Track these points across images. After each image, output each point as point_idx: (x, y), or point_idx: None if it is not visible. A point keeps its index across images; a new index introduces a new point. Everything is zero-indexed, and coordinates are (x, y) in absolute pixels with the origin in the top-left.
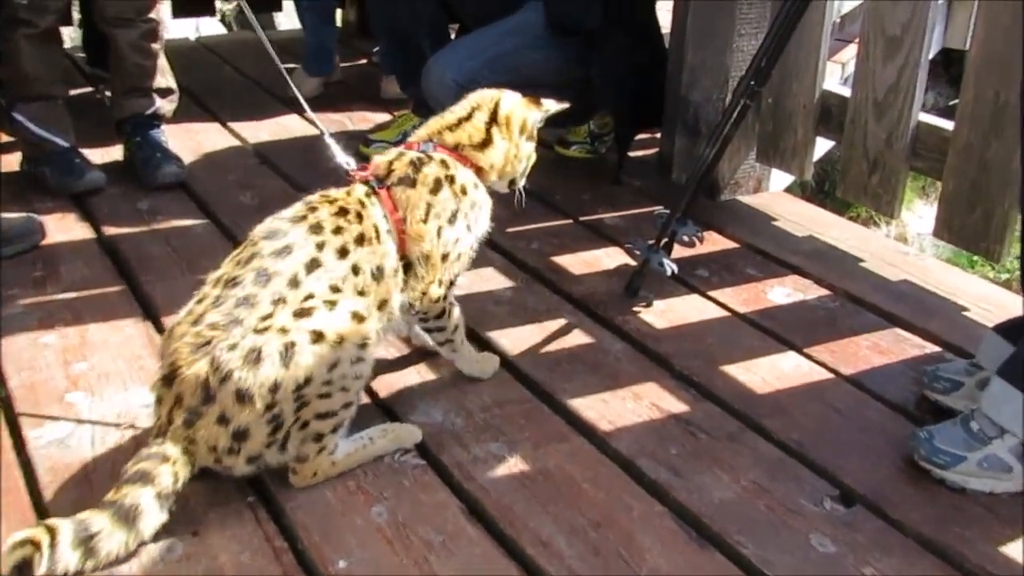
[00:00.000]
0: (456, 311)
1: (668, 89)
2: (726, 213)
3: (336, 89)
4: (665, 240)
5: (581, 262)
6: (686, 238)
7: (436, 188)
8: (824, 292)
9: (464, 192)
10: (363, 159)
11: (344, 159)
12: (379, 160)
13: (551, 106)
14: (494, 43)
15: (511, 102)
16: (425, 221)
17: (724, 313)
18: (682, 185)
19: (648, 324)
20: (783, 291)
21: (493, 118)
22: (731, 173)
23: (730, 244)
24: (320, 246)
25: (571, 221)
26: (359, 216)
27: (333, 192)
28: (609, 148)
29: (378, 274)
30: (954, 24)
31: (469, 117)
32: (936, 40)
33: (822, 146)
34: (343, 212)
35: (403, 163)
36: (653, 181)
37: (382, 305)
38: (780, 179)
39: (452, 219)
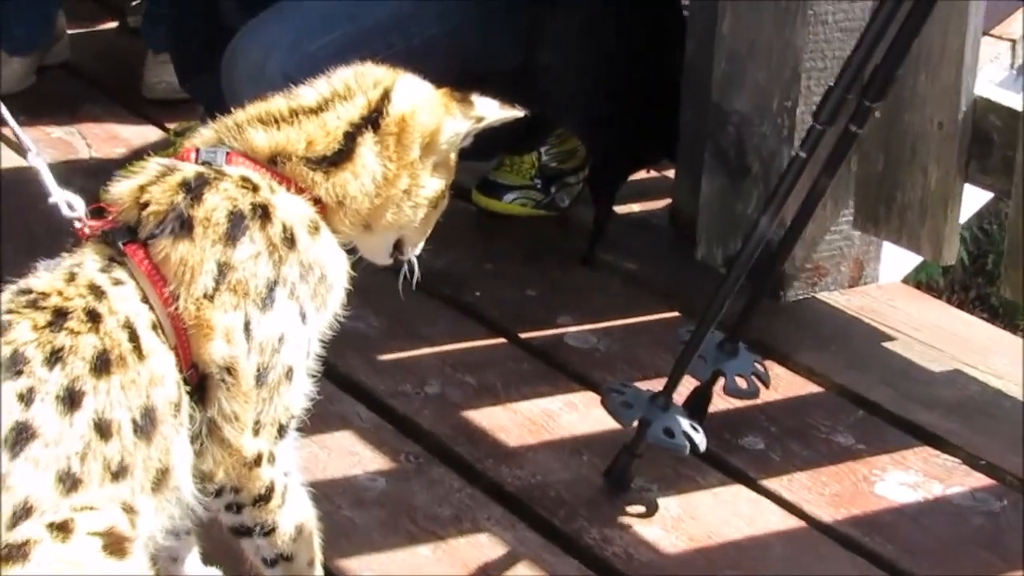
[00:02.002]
0: (296, 495)
1: (687, 91)
2: (798, 325)
3: (59, 78)
4: (695, 390)
5: (521, 422)
6: (739, 382)
7: (232, 233)
8: (981, 481)
9: (291, 242)
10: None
11: (62, 197)
12: (120, 190)
13: (487, 110)
14: (358, 6)
15: (413, 93)
16: (212, 298)
17: (793, 522)
18: (718, 271)
19: (649, 547)
20: (903, 479)
21: (370, 119)
22: (809, 249)
23: (805, 386)
24: (25, 398)
25: (503, 340)
26: (91, 317)
27: (37, 280)
28: (576, 199)
29: (146, 422)
30: None
31: (319, 109)
32: None
33: (974, 199)
34: (58, 319)
35: (165, 190)
36: (660, 261)
37: (159, 482)
38: (897, 261)
39: (267, 297)
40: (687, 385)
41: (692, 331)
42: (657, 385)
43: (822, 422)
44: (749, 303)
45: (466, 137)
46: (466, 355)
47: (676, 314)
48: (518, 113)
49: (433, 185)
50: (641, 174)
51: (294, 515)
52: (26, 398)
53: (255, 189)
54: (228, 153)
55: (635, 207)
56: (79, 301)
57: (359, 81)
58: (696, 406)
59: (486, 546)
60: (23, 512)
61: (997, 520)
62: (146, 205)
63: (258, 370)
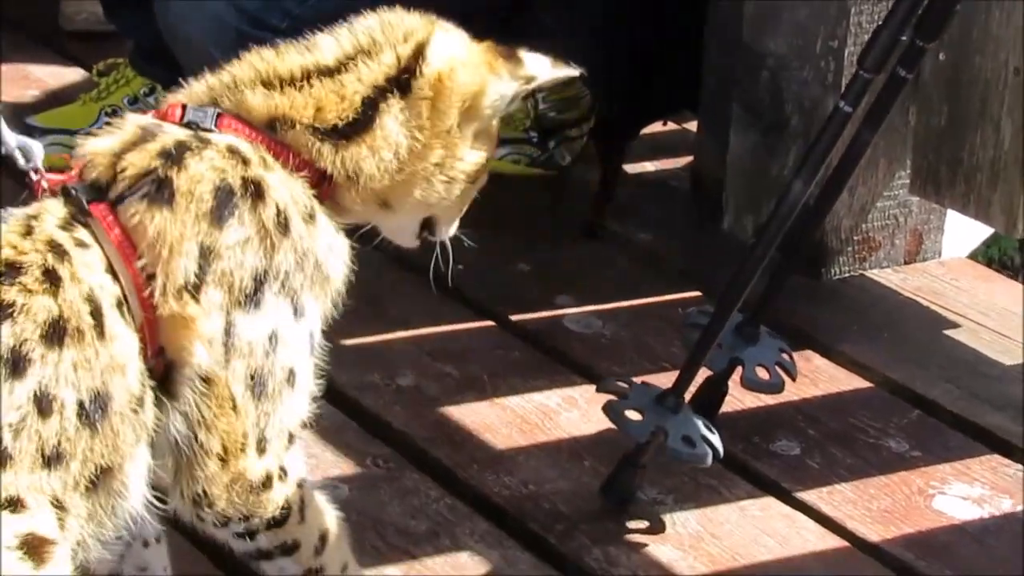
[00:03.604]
0: (314, 503)
1: (713, 30)
2: (843, 309)
3: None
4: (706, 382)
5: (511, 421)
6: (760, 372)
7: (219, 211)
8: None
9: (284, 226)
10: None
11: (16, 143)
12: (95, 147)
13: (539, 69)
14: None
15: (452, 48)
16: (196, 292)
17: (834, 542)
18: (747, 245)
19: (661, 569)
20: (966, 492)
21: (398, 80)
22: (858, 218)
23: (850, 380)
24: None
25: (490, 324)
26: (49, 277)
27: None
28: (579, 156)
29: (95, 409)
30: None
31: (337, 68)
32: None
33: None
34: (11, 272)
35: (146, 154)
36: (678, 231)
37: (98, 482)
38: (964, 233)
39: (255, 292)
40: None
41: (709, 314)
42: (669, 379)
43: (870, 424)
44: (774, 279)
45: (513, 101)
46: (446, 341)
47: (696, 294)
48: (573, 72)
49: (472, 157)
50: (657, 126)
51: (315, 525)
52: None
53: (244, 161)
54: (219, 115)
55: (649, 166)
56: (35, 256)
57: (387, 33)
58: (707, 402)
59: (468, 567)
60: None
61: None
62: (121, 171)
63: (252, 378)
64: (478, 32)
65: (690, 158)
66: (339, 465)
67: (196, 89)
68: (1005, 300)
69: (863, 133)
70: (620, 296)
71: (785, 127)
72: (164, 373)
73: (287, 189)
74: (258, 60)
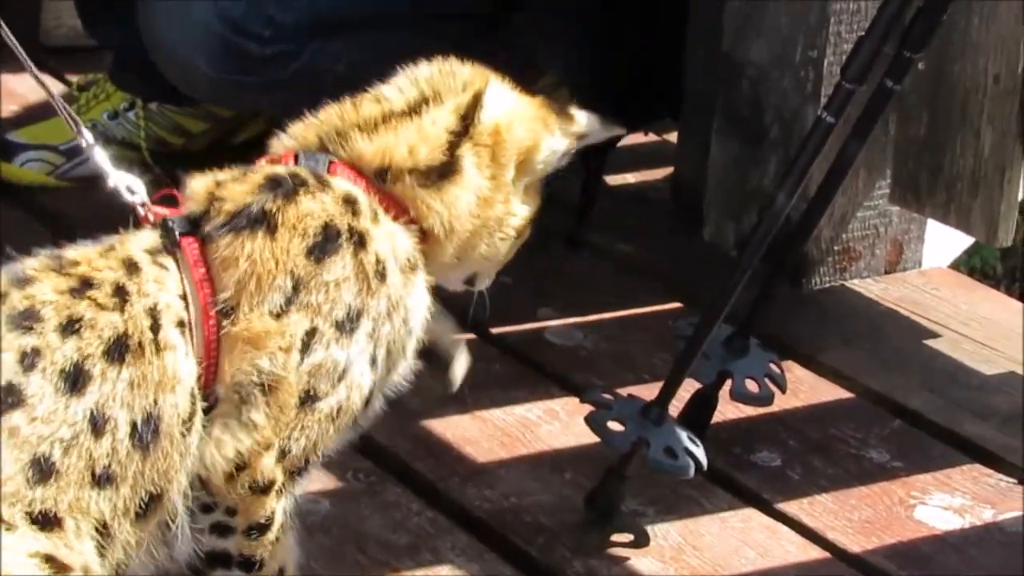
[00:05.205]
0: (291, 544)
1: (693, 38)
2: (823, 319)
3: None
4: (695, 395)
5: (492, 434)
6: (749, 385)
7: (323, 247)
8: None
9: (383, 276)
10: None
11: (122, 180)
12: (195, 185)
13: (589, 126)
14: None
15: (507, 100)
16: (280, 316)
17: (816, 553)
18: (729, 255)
19: None
20: (948, 502)
21: (466, 123)
22: (838, 228)
23: (831, 391)
24: (26, 360)
25: (474, 337)
26: (119, 294)
27: (71, 250)
28: (559, 168)
29: (145, 431)
30: None
31: (411, 112)
32: None
33: None
34: (83, 287)
35: (248, 185)
36: (659, 242)
37: (148, 509)
38: (944, 243)
39: (346, 327)
40: (687, 389)
41: (695, 325)
42: (651, 390)
43: (851, 435)
44: (763, 291)
45: (564, 156)
46: (427, 354)
47: (678, 305)
48: (621, 131)
49: (522, 212)
50: (638, 137)
51: (282, 555)
52: (27, 361)
53: (355, 213)
54: (332, 162)
55: (630, 177)
56: (108, 273)
57: (445, 80)
58: (697, 416)
59: None
60: None
61: None
62: (218, 201)
63: (307, 393)
64: (459, 36)
65: (670, 169)
66: (320, 479)
67: (303, 134)
68: (986, 309)
69: (850, 145)
70: (601, 308)
71: (765, 137)
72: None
73: (392, 241)
74: (343, 108)
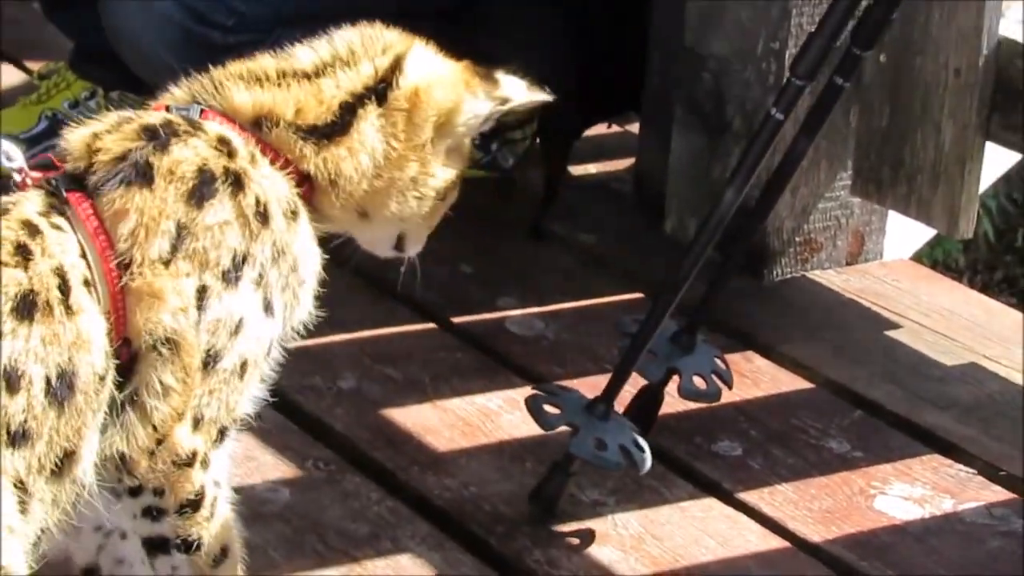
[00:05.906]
0: (225, 512)
1: (655, 31)
2: (784, 310)
3: None
4: (642, 391)
5: (452, 423)
6: (697, 382)
7: (200, 191)
8: (1000, 495)
9: (264, 218)
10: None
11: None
12: (71, 139)
13: (514, 91)
14: None
15: (429, 64)
16: (168, 264)
17: (776, 543)
18: (687, 246)
19: (603, 571)
20: (908, 492)
21: (376, 89)
22: (799, 219)
23: (791, 381)
24: None
25: (432, 326)
26: (21, 251)
27: None
28: (522, 158)
29: (60, 386)
30: None
31: (315, 74)
32: None
33: (999, 162)
34: None
35: (125, 135)
36: (621, 233)
37: (62, 467)
38: (906, 235)
39: (233, 272)
40: (633, 385)
41: (640, 321)
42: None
43: (812, 425)
44: (712, 286)
45: (487, 120)
46: (387, 343)
47: (639, 296)
48: (547, 97)
49: (443, 174)
50: (601, 128)
51: (222, 534)
52: None
53: (231, 154)
54: (203, 110)
55: (592, 168)
56: (8, 233)
57: (366, 44)
58: (643, 412)
59: (409, 569)
60: None
61: (1018, 541)
62: (97, 155)
63: (208, 353)
64: (423, 31)
65: (632, 160)
66: (279, 468)
67: (177, 93)
68: (947, 301)
69: (800, 141)
70: (563, 298)
71: (727, 129)
72: (127, 362)
73: (271, 184)
74: (235, 65)
